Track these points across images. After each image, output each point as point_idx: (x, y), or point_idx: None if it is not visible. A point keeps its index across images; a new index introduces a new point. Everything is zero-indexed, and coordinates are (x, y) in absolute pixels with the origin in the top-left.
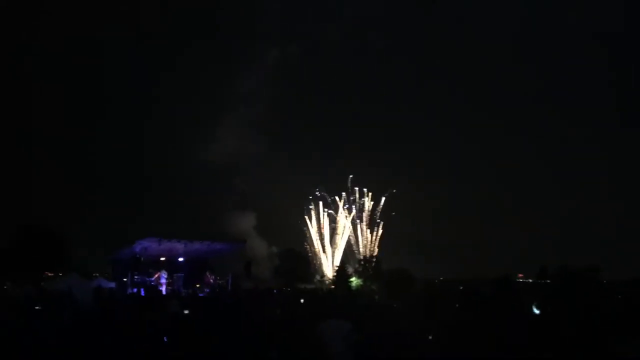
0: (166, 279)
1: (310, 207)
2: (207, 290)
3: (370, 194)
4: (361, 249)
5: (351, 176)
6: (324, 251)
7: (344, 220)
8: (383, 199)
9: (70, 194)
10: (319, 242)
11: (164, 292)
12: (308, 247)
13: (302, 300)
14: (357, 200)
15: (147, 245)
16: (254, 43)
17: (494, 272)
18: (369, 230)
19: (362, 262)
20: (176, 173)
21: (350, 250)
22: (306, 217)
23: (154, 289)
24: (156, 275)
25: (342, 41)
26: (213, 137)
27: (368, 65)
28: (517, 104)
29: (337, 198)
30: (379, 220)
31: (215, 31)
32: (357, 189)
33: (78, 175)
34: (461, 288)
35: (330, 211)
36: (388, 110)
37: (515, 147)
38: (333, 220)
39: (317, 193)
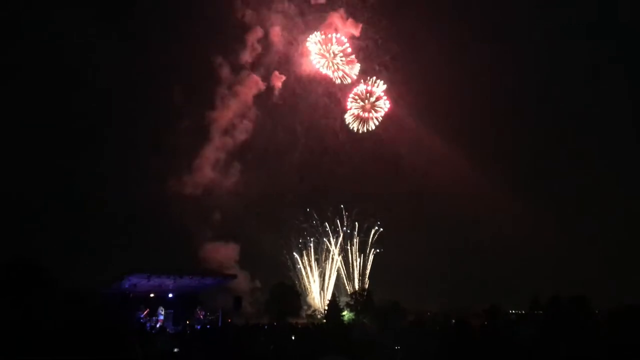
0: (163, 315)
1: (298, 239)
2: (197, 326)
3: (357, 223)
4: (353, 282)
5: (342, 206)
6: (314, 283)
7: (332, 251)
8: (372, 231)
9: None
10: (308, 274)
11: (158, 328)
12: (297, 280)
13: (293, 337)
14: (346, 229)
15: (136, 281)
16: (232, 72)
17: (484, 301)
18: (359, 262)
19: (354, 296)
20: (150, 205)
21: (340, 280)
22: (293, 248)
23: (143, 326)
24: (146, 311)
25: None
26: (192, 165)
27: None
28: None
29: (325, 227)
30: (369, 252)
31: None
32: (346, 217)
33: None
34: (453, 322)
35: (317, 241)
36: None
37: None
38: (320, 251)
39: (303, 225)
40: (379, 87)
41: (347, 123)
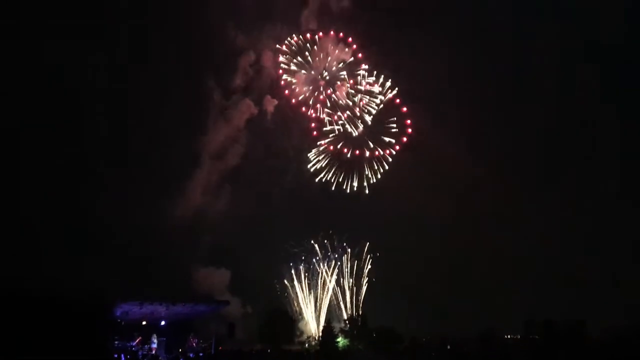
0: (156, 342)
1: (289, 264)
2: (191, 354)
3: (349, 249)
4: (347, 306)
5: (331, 231)
6: (307, 309)
7: (325, 277)
8: (369, 258)
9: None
10: (301, 300)
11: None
12: (290, 306)
13: None
14: (338, 256)
15: (127, 309)
16: (224, 96)
17: (478, 326)
18: (351, 286)
19: (348, 322)
20: (141, 230)
21: (334, 305)
22: (286, 274)
23: (135, 354)
24: (138, 339)
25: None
26: (183, 189)
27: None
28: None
29: (317, 252)
30: (366, 273)
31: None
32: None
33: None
34: (448, 347)
35: (308, 266)
36: None
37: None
38: (312, 277)
39: (294, 250)
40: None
41: None
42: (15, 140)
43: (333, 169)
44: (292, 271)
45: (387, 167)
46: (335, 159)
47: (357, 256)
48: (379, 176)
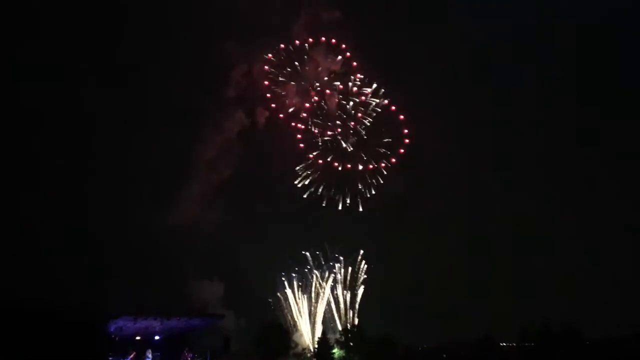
0: (151, 358)
1: (284, 275)
2: None
3: (342, 259)
4: (341, 318)
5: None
6: (302, 320)
7: (320, 288)
8: (362, 271)
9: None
10: (295, 312)
11: None
12: (283, 318)
13: None
14: (332, 267)
15: (122, 324)
16: (219, 106)
17: (475, 333)
18: (347, 298)
19: (344, 333)
20: (135, 239)
21: (328, 316)
22: (280, 286)
23: None
24: (132, 355)
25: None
26: (176, 201)
27: None
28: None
29: (311, 263)
30: (360, 283)
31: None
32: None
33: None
34: (444, 356)
35: (301, 277)
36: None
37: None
38: (306, 288)
39: (288, 261)
40: None
41: None
42: (14, 140)
43: (322, 185)
44: (286, 282)
45: (381, 182)
46: (326, 173)
47: (351, 265)
48: (372, 191)
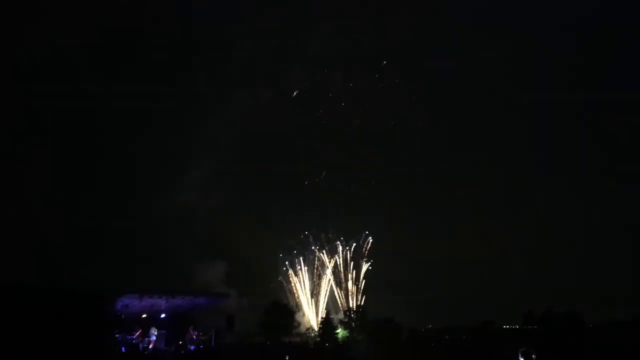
0: (156, 335)
1: (287, 256)
2: (191, 347)
3: (348, 247)
4: (345, 299)
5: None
6: (305, 300)
7: (323, 268)
8: (366, 252)
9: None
10: (301, 292)
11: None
12: (291, 298)
13: (287, 357)
14: (336, 248)
15: (128, 302)
16: (222, 89)
17: (477, 317)
18: (351, 279)
19: (348, 313)
20: (138, 222)
21: (333, 298)
22: (284, 267)
23: (135, 347)
24: (138, 332)
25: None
26: (178, 184)
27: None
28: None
29: (315, 244)
30: (364, 264)
31: (180, 77)
32: (337, 238)
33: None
34: (447, 337)
35: (305, 258)
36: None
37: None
38: (311, 268)
39: (290, 242)
40: None
41: None
42: (15, 141)
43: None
44: (288, 263)
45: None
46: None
47: (355, 246)
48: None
